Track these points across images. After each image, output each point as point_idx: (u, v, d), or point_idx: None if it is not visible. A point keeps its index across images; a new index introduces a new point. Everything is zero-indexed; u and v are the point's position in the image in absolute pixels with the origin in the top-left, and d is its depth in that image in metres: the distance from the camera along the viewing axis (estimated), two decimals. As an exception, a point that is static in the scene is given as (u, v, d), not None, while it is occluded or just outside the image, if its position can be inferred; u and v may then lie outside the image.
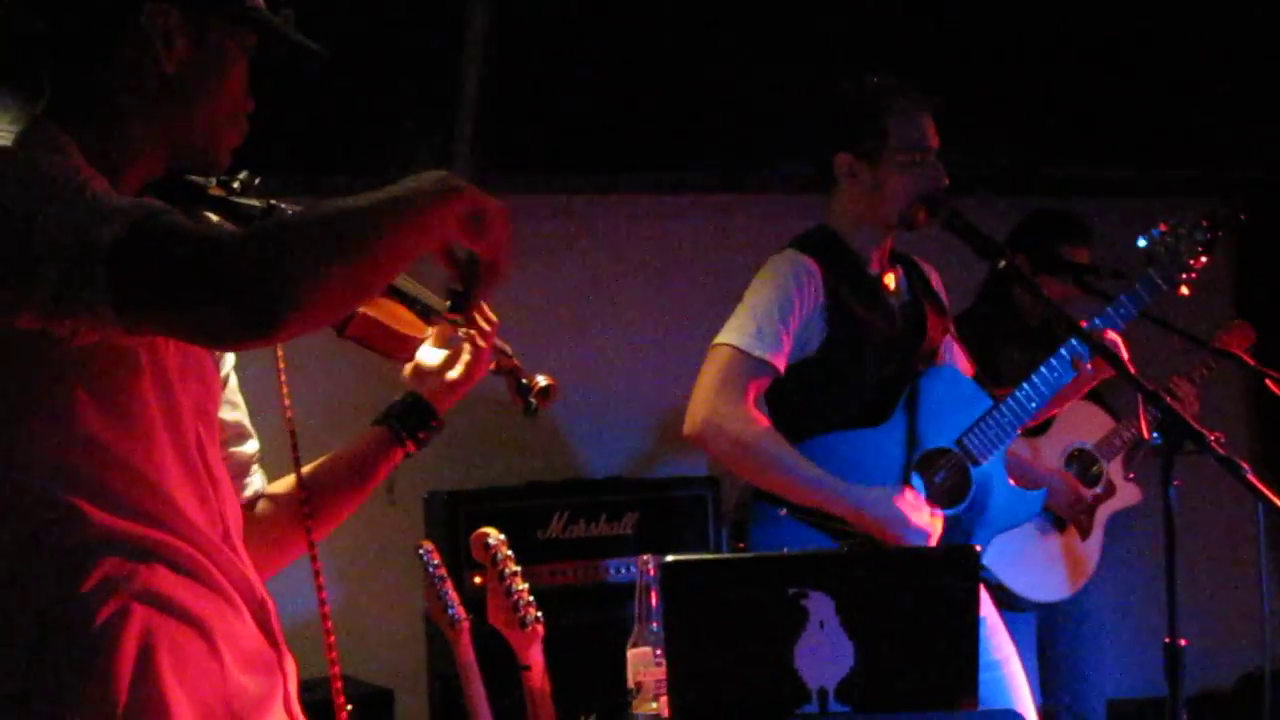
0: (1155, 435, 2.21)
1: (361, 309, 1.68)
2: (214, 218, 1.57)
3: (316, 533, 1.82)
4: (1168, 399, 2.28)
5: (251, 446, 1.82)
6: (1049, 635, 3.88)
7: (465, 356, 1.85)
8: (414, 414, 1.86)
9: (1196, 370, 3.89)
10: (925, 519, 2.76)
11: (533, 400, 1.91)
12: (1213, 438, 2.17)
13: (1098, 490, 3.83)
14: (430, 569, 2.63)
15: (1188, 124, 4.31)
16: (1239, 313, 4.60)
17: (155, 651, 1.45)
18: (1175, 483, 2.16)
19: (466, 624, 2.62)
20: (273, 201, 1.63)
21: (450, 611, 2.60)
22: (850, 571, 1.99)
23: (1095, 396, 3.81)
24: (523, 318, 1.92)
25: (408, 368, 1.90)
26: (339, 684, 1.79)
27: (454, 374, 1.86)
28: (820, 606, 1.92)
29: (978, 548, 1.97)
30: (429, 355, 1.88)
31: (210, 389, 1.63)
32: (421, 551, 2.65)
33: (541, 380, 1.92)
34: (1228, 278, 5.06)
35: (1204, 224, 2.95)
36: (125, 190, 1.50)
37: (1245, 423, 5.10)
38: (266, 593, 1.63)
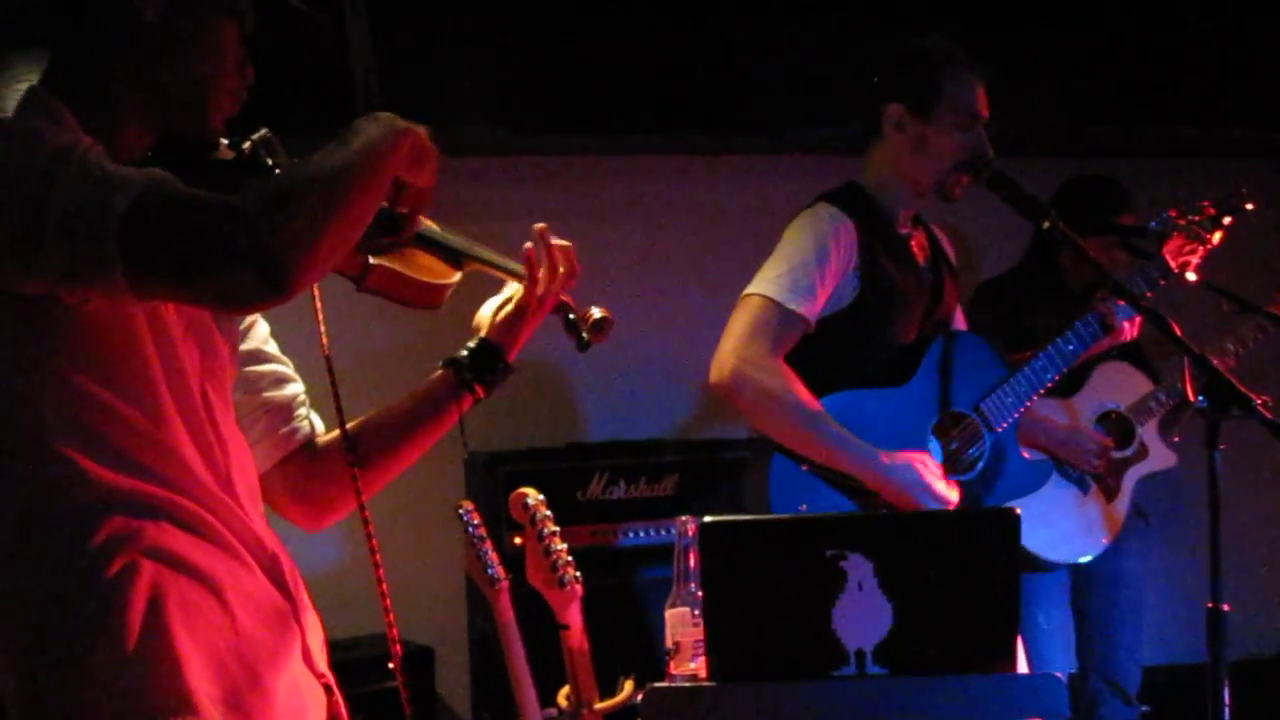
0: (1201, 398, 2.18)
1: (374, 260, 1.68)
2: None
3: (380, 478, 1.86)
4: (1215, 362, 2.26)
5: (292, 389, 1.84)
6: (1083, 600, 3.87)
7: (529, 298, 1.86)
8: (483, 358, 1.87)
9: (1250, 334, 3.84)
10: (944, 486, 2.75)
11: (585, 335, 1.91)
12: (1259, 401, 2.14)
13: (1128, 452, 3.80)
14: (470, 529, 2.64)
15: (1241, 83, 4.24)
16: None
17: (164, 605, 1.48)
18: (1220, 446, 2.14)
19: (506, 584, 2.64)
20: (292, 160, 1.63)
21: (490, 571, 2.62)
22: (889, 533, 1.99)
23: (1135, 359, 3.78)
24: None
25: (479, 315, 1.92)
26: (394, 632, 1.79)
27: (516, 315, 1.87)
28: (859, 568, 1.92)
29: (1018, 510, 1.95)
30: (493, 300, 1.91)
31: (215, 346, 1.64)
32: (461, 511, 2.66)
33: (596, 312, 1.92)
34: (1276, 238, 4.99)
35: (1210, 211, 2.93)
36: (120, 155, 1.51)
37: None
38: (280, 547, 1.64)
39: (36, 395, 1.46)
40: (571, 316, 1.92)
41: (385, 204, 1.64)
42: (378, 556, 1.72)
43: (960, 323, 3.08)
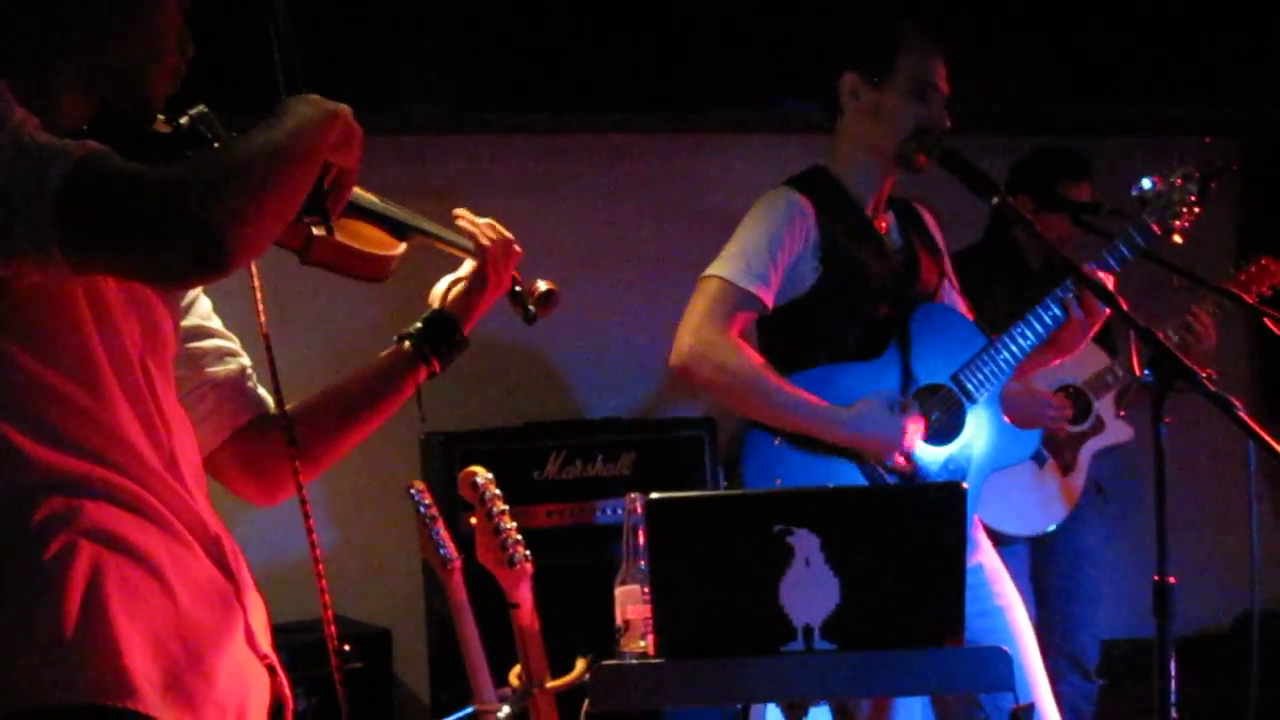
0: (1147, 372, 2.19)
1: (317, 233, 1.67)
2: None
3: (333, 453, 1.84)
4: (1161, 335, 2.26)
5: (237, 364, 1.81)
6: (1042, 573, 3.90)
7: (483, 270, 1.88)
8: (438, 330, 1.86)
9: (1211, 305, 3.85)
10: (913, 426, 2.77)
11: (532, 307, 1.92)
12: (1204, 375, 2.15)
13: (1084, 426, 3.82)
14: (422, 509, 2.63)
15: (1196, 60, 4.26)
16: (1242, 251, 4.56)
17: (103, 586, 1.45)
18: (1165, 420, 2.14)
19: (458, 563, 2.63)
20: (233, 134, 1.61)
21: (442, 551, 2.61)
22: (835, 508, 1.99)
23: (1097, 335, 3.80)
24: (522, 258, 1.93)
25: (433, 292, 1.92)
26: (330, 614, 1.77)
27: (471, 288, 1.88)
28: (805, 543, 1.92)
29: (964, 485, 1.95)
30: (448, 277, 1.91)
31: (156, 321, 1.62)
32: (413, 492, 2.65)
33: (542, 285, 1.93)
34: (1232, 213, 5.02)
35: (1196, 175, 2.94)
36: (58, 128, 1.48)
37: (1248, 361, 5.08)
38: (222, 527, 1.62)
39: None
40: (518, 289, 1.94)
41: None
42: (314, 537, 1.70)
43: (953, 298, 3.08)
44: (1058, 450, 3.84)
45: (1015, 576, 3.63)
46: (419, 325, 1.88)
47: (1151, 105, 4.52)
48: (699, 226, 4.34)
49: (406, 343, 1.86)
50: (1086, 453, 3.90)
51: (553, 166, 4.42)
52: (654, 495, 1.92)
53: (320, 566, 1.69)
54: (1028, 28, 4.12)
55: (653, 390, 4.49)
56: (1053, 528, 3.81)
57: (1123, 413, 3.92)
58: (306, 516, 1.68)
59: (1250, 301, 3.21)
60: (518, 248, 1.93)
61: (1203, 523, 4.54)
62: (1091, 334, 2.96)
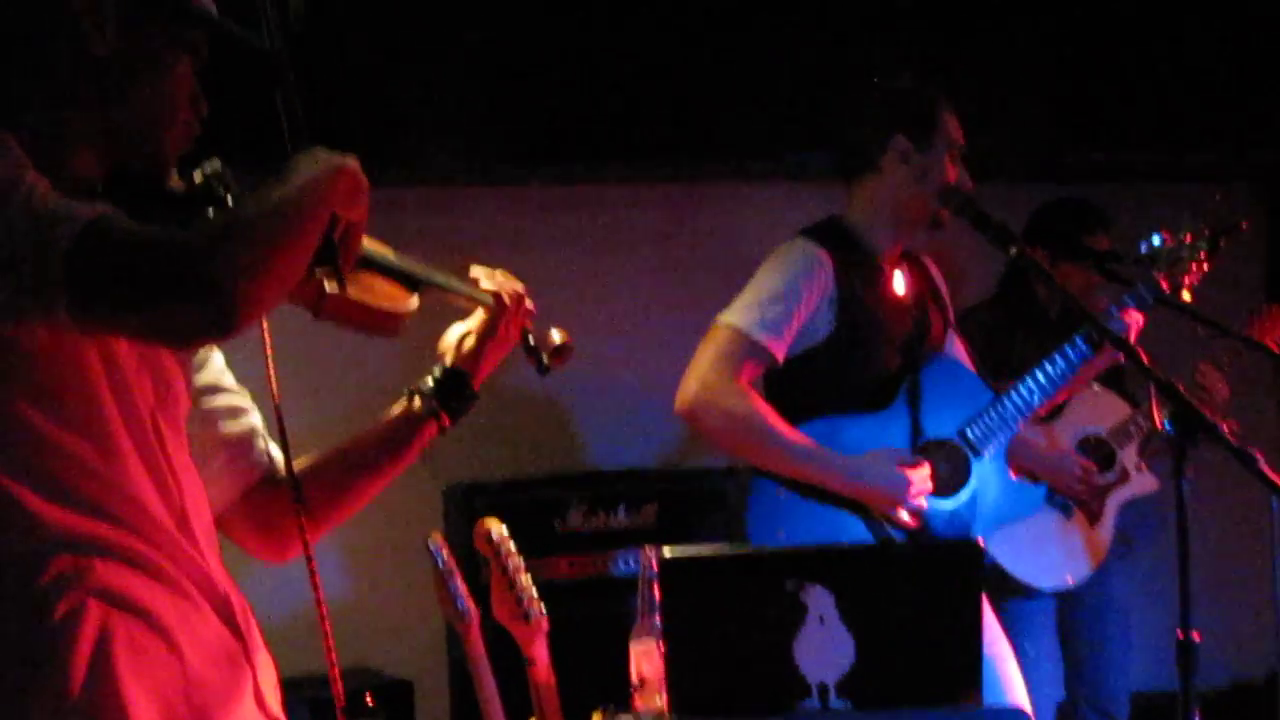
0: (1167, 425, 2.17)
1: (329, 288, 1.66)
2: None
3: (344, 510, 1.82)
4: (1181, 388, 2.24)
5: (248, 421, 1.81)
6: (1069, 625, 3.84)
7: (494, 322, 1.85)
8: (448, 386, 1.84)
9: (1225, 356, 3.82)
10: (920, 475, 2.75)
11: (546, 359, 1.89)
12: (1226, 428, 2.13)
13: (1110, 476, 3.79)
14: (439, 563, 2.62)
15: (1212, 107, 4.24)
16: (1270, 298, 4.53)
17: (112, 648, 1.45)
18: (1187, 473, 2.12)
19: (475, 617, 2.61)
20: (243, 191, 1.62)
21: (459, 605, 2.58)
22: (849, 565, 1.98)
23: (1114, 382, 3.76)
24: (541, 308, 1.91)
25: (443, 343, 1.90)
26: (335, 670, 1.76)
27: (483, 341, 1.85)
28: (819, 601, 1.91)
29: (980, 541, 1.94)
30: (457, 327, 1.89)
31: (169, 378, 1.62)
32: (430, 545, 2.63)
33: (556, 337, 1.90)
34: (1261, 262, 4.99)
35: (1206, 233, 2.94)
36: (71, 187, 1.49)
37: (1275, 411, 5.02)
38: (232, 586, 1.62)
39: None
40: (532, 341, 1.91)
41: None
42: (320, 594, 1.69)
43: (955, 349, 3.07)
44: (1084, 501, 3.79)
45: (1040, 630, 3.61)
46: (429, 381, 1.85)
47: (1169, 152, 4.51)
48: (715, 276, 4.36)
49: (416, 399, 1.85)
50: (1113, 503, 3.85)
51: (569, 218, 4.43)
52: (666, 553, 1.92)
53: (327, 625, 1.68)
54: (1042, 73, 4.12)
55: (675, 440, 4.48)
56: (1081, 581, 3.76)
57: (1142, 466, 3.87)
58: (313, 573, 1.68)
59: (1274, 349, 3.18)
60: (529, 302, 1.91)
61: (1234, 572, 4.47)
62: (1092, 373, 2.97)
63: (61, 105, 1.53)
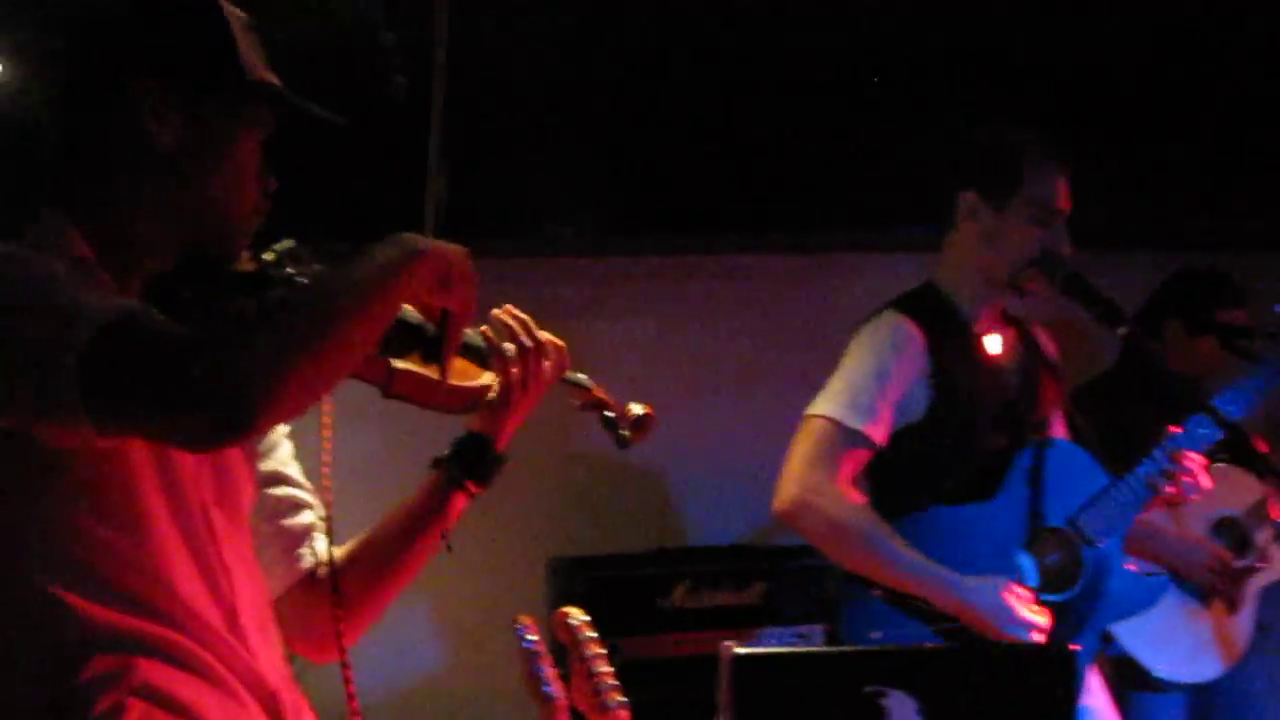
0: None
1: (398, 365, 1.61)
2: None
3: (383, 597, 1.77)
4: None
5: (306, 518, 1.77)
6: (1205, 718, 3.63)
7: (509, 382, 1.75)
8: (470, 452, 1.77)
9: None
10: (1032, 612, 2.58)
11: (625, 433, 1.81)
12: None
13: (1248, 561, 3.57)
14: (526, 644, 2.56)
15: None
16: None
17: None
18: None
19: (564, 703, 2.54)
20: (314, 267, 1.58)
21: (545, 689, 2.52)
22: (935, 669, 1.86)
23: (1246, 458, 3.56)
24: (646, 380, 1.84)
25: None
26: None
27: (498, 403, 1.75)
28: (902, 706, 1.80)
29: (1075, 648, 1.81)
30: None
31: (230, 468, 1.59)
32: (518, 628, 2.58)
33: (635, 410, 1.81)
34: None
35: None
36: (139, 272, 1.48)
37: None
38: (285, 683, 1.58)
39: (24, 529, 1.43)
40: (609, 415, 1.82)
41: (422, 323, 1.59)
42: (351, 688, 1.64)
43: (1059, 427, 2.91)
44: (1220, 589, 3.58)
45: (1174, 723, 3.40)
46: (450, 451, 1.78)
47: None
48: (822, 347, 4.28)
49: (440, 469, 1.78)
50: (1252, 589, 3.63)
51: (672, 288, 4.39)
52: (737, 650, 1.82)
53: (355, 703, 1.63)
54: (1167, 136, 3.96)
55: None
56: (1215, 674, 3.55)
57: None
58: (348, 681, 1.63)
59: None
60: (546, 358, 1.76)
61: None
62: None
63: (128, 198, 1.52)
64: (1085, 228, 2.82)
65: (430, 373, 1.67)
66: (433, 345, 1.59)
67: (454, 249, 1.51)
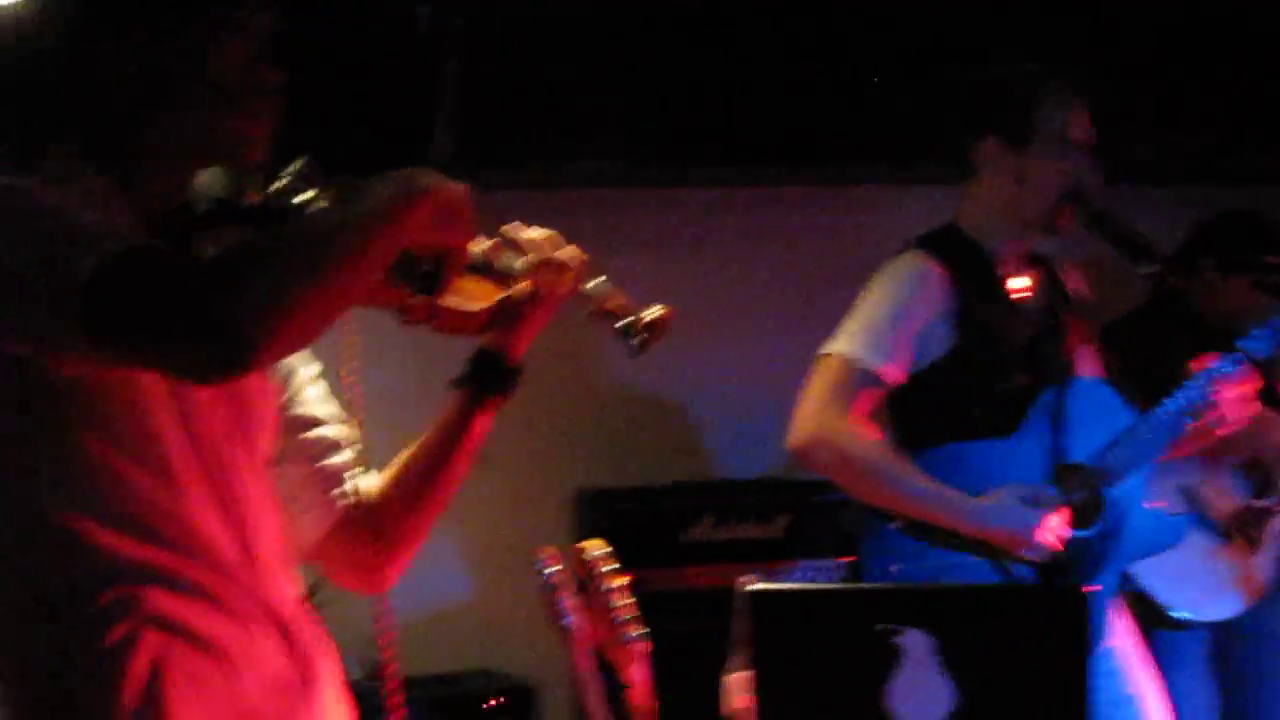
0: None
1: (417, 294, 1.59)
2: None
3: (420, 528, 1.77)
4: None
5: (341, 457, 1.77)
6: (1226, 659, 3.64)
7: (519, 296, 1.71)
8: (485, 367, 1.75)
9: None
10: (1055, 520, 2.59)
11: (633, 340, 1.74)
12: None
13: (1270, 501, 3.56)
14: (545, 576, 2.59)
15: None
16: None
17: (165, 675, 1.44)
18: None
19: (583, 634, 2.57)
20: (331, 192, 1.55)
21: (564, 621, 2.56)
22: (948, 608, 1.87)
23: (1271, 401, 3.54)
24: (680, 312, 1.81)
25: None
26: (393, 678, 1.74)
27: (511, 315, 1.72)
28: (916, 644, 1.81)
29: (1084, 589, 1.82)
30: None
31: (249, 404, 1.60)
32: (537, 562, 2.61)
33: (646, 314, 1.73)
34: None
35: None
36: (156, 213, 1.48)
37: None
38: (300, 617, 1.60)
39: (36, 459, 1.44)
40: (619, 324, 1.74)
41: (416, 260, 1.58)
42: (388, 619, 1.65)
43: (1089, 364, 2.90)
44: (1242, 527, 3.58)
45: (1193, 663, 3.42)
46: (467, 368, 1.76)
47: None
48: (850, 280, 4.26)
49: (461, 388, 1.76)
50: (1274, 529, 3.63)
51: (697, 220, 4.37)
52: (753, 587, 1.84)
53: (390, 671, 1.65)
54: (1203, 71, 3.89)
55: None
56: (1236, 613, 3.55)
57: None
58: (381, 616, 1.64)
59: None
60: (562, 271, 1.71)
61: None
62: None
63: (116, 127, 1.51)
64: (1131, 163, 2.78)
65: (452, 300, 1.67)
66: (431, 276, 1.57)
67: (455, 186, 1.50)
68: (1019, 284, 2.75)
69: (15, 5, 1.57)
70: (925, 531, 2.64)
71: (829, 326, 3.04)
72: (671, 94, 3.94)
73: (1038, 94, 2.70)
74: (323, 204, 1.55)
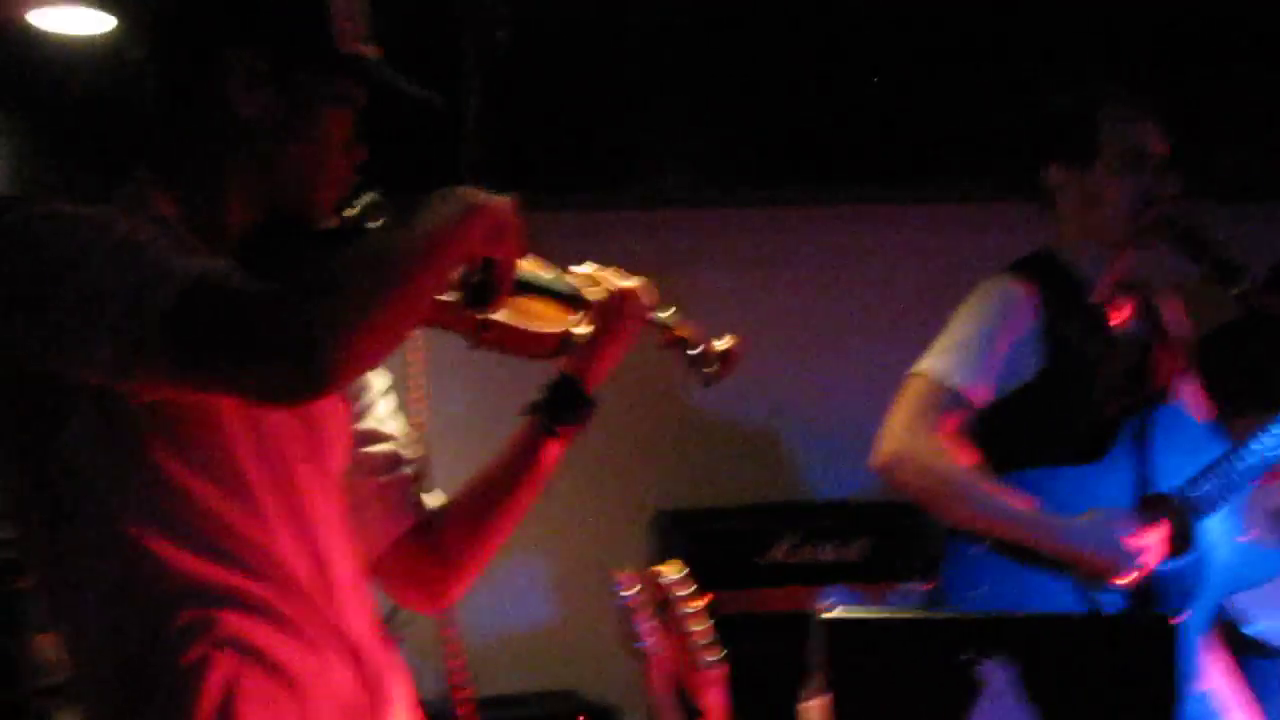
0: None
1: (486, 315, 1.62)
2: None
3: (483, 553, 1.79)
4: None
5: (403, 473, 1.79)
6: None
7: (603, 324, 1.76)
8: (560, 396, 1.76)
9: None
10: (1147, 539, 2.53)
11: (706, 370, 1.77)
12: None
13: None
14: (622, 599, 2.57)
15: None
16: None
17: (236, 698, 1.46)
18: None
19: (659, 658, 2.55)
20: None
21: (638, 644, 2.54)
22: (1031, 637, 1.82)
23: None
24: (750, 333, 1.81)
25: None
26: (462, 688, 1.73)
27: (588, 344, 1.76)
28: (996, 674, 1.77)
29: (1171, 619, 1.76)
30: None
31: (322, 425, 1.61)
32: (613, 585, 2.59)
33: (718, 344, 1.77)
34: None
35: None
36: (225, 234, 1.51)
37: None
38: (373, 641, 1.61)
39: (113, 481, 1.46)
40: (691, 352, 1.78)
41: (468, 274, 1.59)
42: (455, 645, 1.65)
43: (1185, 394, 2.84)
44: None
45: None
46: (540, 396, 1.78)
47: None
48: (932, 301, 4.20)
49: (534, 415, 1.78)
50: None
51: (782, 240, 4.35)
52: (828, 614, 1.81)
53: (460, 694, 1.65)
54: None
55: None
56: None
57: None
58: (448, 641, 1.64)
59: None
60: (631, 299, 1.78)
61: None
62: None
63: (212, 165, 1.54)
64: (1218, 179, 2.72)
65: (518, 321, 1.67)
66: (482, 287, 1.58)
67: (504, 201, 1.53)
68: (1115, 311, 2.71)
69: (109, 32, 1.60)
70: (1014, 551, 2.59)
71: (912, 347, 3.00)
72: (761, 111, 3.92)
73: (1095, 114, 2.68)
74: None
